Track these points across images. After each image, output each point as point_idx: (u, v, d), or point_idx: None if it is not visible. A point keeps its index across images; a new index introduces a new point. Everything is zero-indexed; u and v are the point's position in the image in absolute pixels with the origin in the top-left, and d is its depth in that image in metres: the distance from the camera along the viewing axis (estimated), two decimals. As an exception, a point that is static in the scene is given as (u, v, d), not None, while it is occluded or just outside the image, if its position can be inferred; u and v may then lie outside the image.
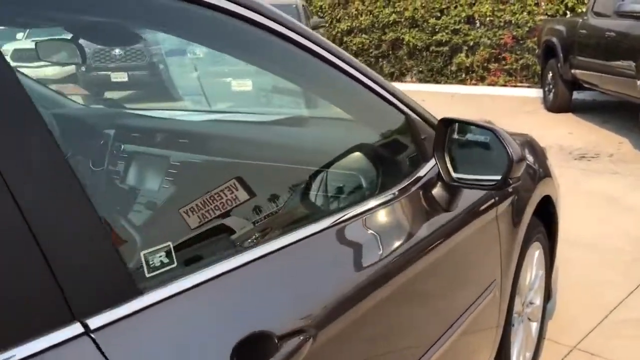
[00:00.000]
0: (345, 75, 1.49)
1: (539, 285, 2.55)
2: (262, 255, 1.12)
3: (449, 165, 1.56)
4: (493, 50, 11.21)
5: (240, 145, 1.86)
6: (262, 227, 1.38)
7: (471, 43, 11.45)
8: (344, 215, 1.38)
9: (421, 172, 1.66)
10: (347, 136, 1.76)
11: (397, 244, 1.45)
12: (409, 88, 11.95)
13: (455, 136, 1.59)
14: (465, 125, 1.59)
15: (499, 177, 1.48)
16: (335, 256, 1.33)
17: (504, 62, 11.16)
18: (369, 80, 1.54)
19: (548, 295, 2.75)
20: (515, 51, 10.98)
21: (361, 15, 13.03)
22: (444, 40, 11.75)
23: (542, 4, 10.55)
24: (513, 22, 10.83)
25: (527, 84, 10.88)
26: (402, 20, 12.31)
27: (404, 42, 12.36)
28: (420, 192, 1.61)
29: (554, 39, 8.48)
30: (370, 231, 1.44)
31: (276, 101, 2.04)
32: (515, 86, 11.02)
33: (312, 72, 1.48)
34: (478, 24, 11.52)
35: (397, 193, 1.54)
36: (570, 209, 3.52)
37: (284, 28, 1.32)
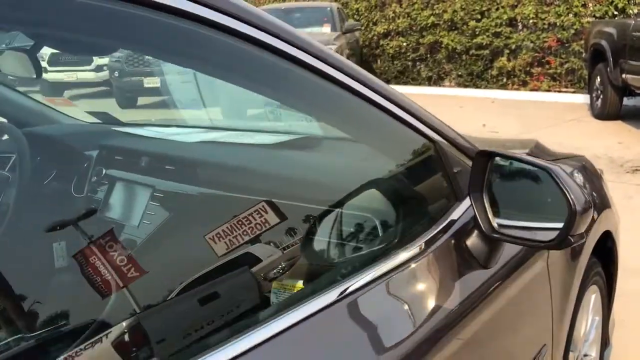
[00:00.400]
0: (355, 95, 1.15)
1: (595, 335, 2.17)
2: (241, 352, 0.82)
3: (488, 211, 1.21)
4: (536, 54, 10.75)
5: (230, 176, 1.55)
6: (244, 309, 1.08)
7: (513, 46, 11.01)
8: (354, 283, 1.05)
9: (454, 215, 1.31)
10: (359, 168, 1.43)
11: (422, 316, 1.11)
12: (447, 92, 11.56)
13: (498, 173, 1.23)
14: (510, 160, 1.23)
15: (555, 232, 1.12)
16: (344, 341, 1.00)
17: (547, 66, 10.69)
18: (387, 100, 1.21)
19: (605, 342, 2.35)
20: (560, 55, 10.49)
21: (398, 18, 12.66)
22: (484, 44, 11.33)
23: (590, 5, 10.04)
24: (558, 24, 10.35)
25: (572, 89, 10.38)
26: (441, 22, 11.92)
27: (443, 45, 11.96)
28: (452, 243, 1.26)
29: (603, 42, 7.98)
30: (388, 303, 1.10)
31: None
32: (559, 91, 10.53)
33: (311, 91, 1.15)
34: (520, 27, 11.07)
35: (423, 246, 1.20)
36: (624, 231, 3.10)
37: (276, 38, 0.99)
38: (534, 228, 1.22)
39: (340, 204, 1.34)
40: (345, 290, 1.04)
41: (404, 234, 1.27)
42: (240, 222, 1.18)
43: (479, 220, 1.21)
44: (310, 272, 1.30)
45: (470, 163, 1.34)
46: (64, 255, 1.54)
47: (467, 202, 1.34)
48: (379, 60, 13.07)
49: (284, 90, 1.16)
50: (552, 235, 1.12)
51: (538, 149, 1.89)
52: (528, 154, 1.74)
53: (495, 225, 1.20)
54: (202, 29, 0.87)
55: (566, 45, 10.39)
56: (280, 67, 1.03)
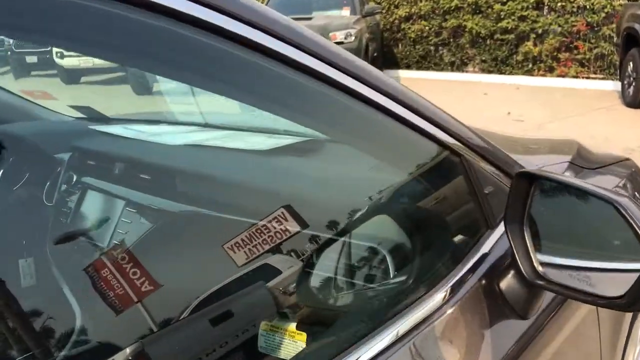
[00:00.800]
0: (361, 101, 0.89)
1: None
2: None
3: (530, 249, 0.93)
4: (564, 39, 10.31)
5: (212, 190, 1.30)
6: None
7: (540, 30, 10.58)
8: (365, 351, 0.80)
9: (485, 247, 1.05)
10: (366, 182, 1.17)
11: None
12: (470, 78, 11.19)
13: (543, 199, 0.95)
14: (561, 185, 0.95)
15: (622, 278, 0.85)
16: None
17: (576, 51, 10.26)
18: (401, 106, 0.94)
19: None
20: (589, 39, 10.05)
21: (421, 1, 12.23)
22: (509, 28, 10.89)
23: (622, -14, 9.58)
24: (587, 7, 9.92)
25: (601, 76, 9.96)
26: (465, 5, 11.49)
27: (466, 30, 11.54)
28: (483, 285, 1.00)
29: (637, 26, 7.58)
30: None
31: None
32: (587, 78, 10.11)
33: (309, 97, 0.88)
34: (547, 10, 10.62)
35: (448, 292, 0.94)
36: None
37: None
38: (589, 269, 0.95)
39: (343, 231, 1.08)
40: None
41: (423, 274, 1.01)
42: (259, 231, 1.10)
43: (518, 261, 0.94)
44: (306, 316, 1.05)
45: (506, 181, 1.07)
46: (32, 273, 1.34)
47: (500, 229, 1.07)
48: (400, 45, 12.66)
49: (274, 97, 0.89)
50: (618, 287, 0.84)
51: (581, 155, 1.61)
52: (575, 163, 1.46)
53: (539, 268, 0.93)
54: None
55: (596, 29, 9.94)
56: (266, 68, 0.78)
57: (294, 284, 1.08)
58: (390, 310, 0.93)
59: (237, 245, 1.10)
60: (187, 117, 1.87)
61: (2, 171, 1.62)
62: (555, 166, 1.42)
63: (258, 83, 0.82)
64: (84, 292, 1.27)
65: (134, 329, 1.10)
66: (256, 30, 0.74)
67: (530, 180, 0.95)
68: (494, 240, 1.06)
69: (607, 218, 0.88)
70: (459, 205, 1.09)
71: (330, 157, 1.39)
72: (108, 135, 1.69)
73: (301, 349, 0.98)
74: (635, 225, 0.80)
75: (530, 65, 10.90)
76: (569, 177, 0.93)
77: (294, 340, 1.01)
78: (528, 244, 0.95)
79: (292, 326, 1.01)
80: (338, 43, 8.03)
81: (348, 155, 1.33)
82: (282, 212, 1.09)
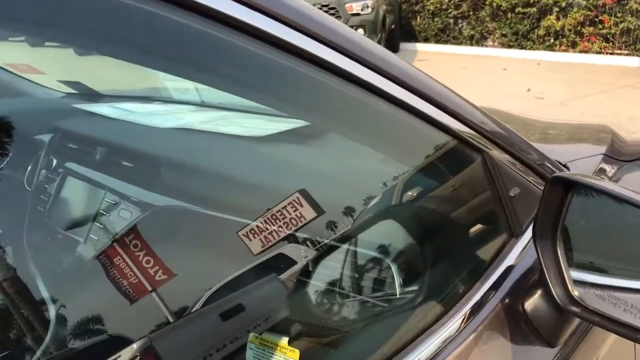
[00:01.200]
0: (364, 88, 0.73)
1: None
2: None
3: (564, 269, 0.78)
4: (589, 12, 9.96)
5: (198, 183, 1.16)
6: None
7: (563, 4, 10.26)
8: None
9: (509, 259, 0.90)
10: (371, 177, 1.02)
11: None
12: (489, 53, 10.93)
13: (581, 211, 0.79)
14: (604, 195, 0.78)
15: None
16: None
17: (600, 26, 9.92)
18: (410, 93, 0.78)
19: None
20: (615, 13, 9.70)
21: (440, -28, 11.91)
22: (531, 1, 10.60)
23: (652, -43, 9.22)
24: (615, -22, 9.57)
25: (626, 52, 9.64)
26: (486, -23, 11.16)
27: (487, 2, 11.24)
28: (506, 305, 0.85)
29: (667, 1, 7.27)
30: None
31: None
32: (612, 54, 9.80)
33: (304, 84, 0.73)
34: (572, -18, 10.29)
35: (467, 315, 0.79)
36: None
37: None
38: (637, 290, 0.79)
39: (343, 238, 0.94)
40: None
41: (436, 292, 0.86)
42: (274, 217, 1.01)
43: (549, 283, 0.78)
44: (299, 331, 0.92)
45: (537, 181, 0.92)
46: (8, 264, 1.23)
47: (526, 237, 0.92)
48: (418, 17, 12.35)
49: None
50: None
51: (615, 144, 1.44)
52: (611, 155, 1.30)
53: (574, 292, 0.77)
54: None
55: (623, 2, 9.63)
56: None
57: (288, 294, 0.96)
58: (397, 335, 0.79)
59: (253, 232, 1.01)
60: (182, 95, 1.72)
61: None
62: (588, 160, 1.26)
63: (254, 73, 0.68)
64: (59, 286, 1.17)
65: (139, 324, 1.03)
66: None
67: (566, 187, 0.79)
68: (519, 250, 0.91)
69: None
70: (479, 210, 0.94)
71: (332, 146, 1.23)
72: (93, 115, 1.54)
73: None
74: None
75: (552, 40, 10.59)
76: (616, 187, 0.77)
77: (285, 357, 0.89)
78: (562, 263, 0.80)
79: (284, 341, 0.89)
80: (354, 15, 7.80)
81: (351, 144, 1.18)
82: (297, 198, 1.00)
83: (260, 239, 1.01)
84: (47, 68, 1.85)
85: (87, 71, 1.69)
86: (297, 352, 0.87)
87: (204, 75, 0.72)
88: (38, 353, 1.00)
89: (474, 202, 0.94)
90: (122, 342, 0.91)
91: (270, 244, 1.00)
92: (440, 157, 0.90)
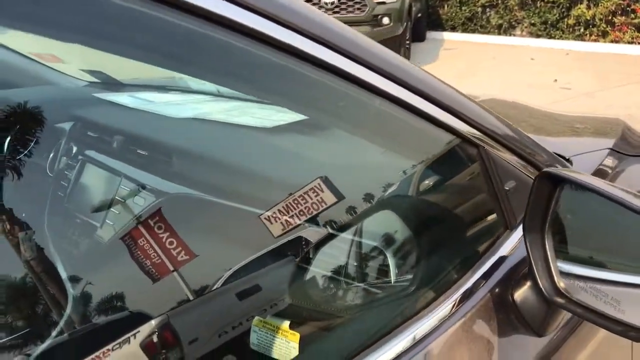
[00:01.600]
0: (360, 85, 0.76)
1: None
2: None
3: (552, 262, 0.81)
4: (621, 1, 9.76)
5: (206, 172, 1.21)
6: None
7: (595, -8, 10.05)
8: None
9: (502, 250, 0.93)
10: (369, 171, 1.05)
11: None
12: (517, 42, 10.77)
13: (568, 204, 0.82)
14: (592, 191, 0.81)
15: None
16: None
17: (633, 15, 9.71)
18: (407, 90, 0.81)
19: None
20: (648, 2, 9.50)
21: (469, -41, 11.76)
22: (562, -11, 10.38)
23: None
24: (649, -33, 9.35)
25: (659, 42, 9.43)
26: (515, -35, 10.99)
27: (516, -10, 11.06)
28: (496, 295, 0.88)
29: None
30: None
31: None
32: (644, 44, 9.59)
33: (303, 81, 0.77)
34: (605, -30, 10.08)
35: (457, 301, 0.83)
36: None
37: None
38: (620, 283, 0.82)
39: (343, 226, 0.97)
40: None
41: (429, 279, 0.90)
42: (296, 201, 1.04)
43: (537, 274, 0.81)
44: (300, 315, 0.96)
45: (527, 179, 0.94)
46: (32, 246, 1.29)
47: (520, 230, 0.95)
48: (446, 6, 12.21)
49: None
50: None
51: (625, 137, 1.44)
52: (617, 149, 1.31)
53: (560, 284, 0.80)
54: None
55: (656, -9, 9.40)
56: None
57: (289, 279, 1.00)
58: (390, 321, 0.82)
59: (274, 216, 1.05)
60: (199, 85, 1.76)
61: (9, 139, 1.56)
62: (593, 154, 1.28)
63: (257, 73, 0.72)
64: (77, 266, 1.22)
65: (157, 303, 1.07)
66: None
67: (554, 182, 0.81)
68: (513, 242, 0.94)
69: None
70: (475, 203, 0.97)
71: (336, 139, 1.27)
72: (113, 104, 1.60)
73: (294, 349, 0.90)
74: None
75: (582, 30, 10.39)
76: (601, 183, 0.79)
77: (286, 340, 0.93)
78: (549, 256, 0.83)
79: (286, 324, 0.93)
80: (379, 3, 7.75)
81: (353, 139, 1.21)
82: (319, 183, 1.04)
83: (281, 223, 1.05)
84: (70, 57, 1.91)
85: (108, 60, 1.75)
86: (298, 335, 0.91)
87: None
88: (59, 328, 1.06)
89: (469, 195, 0.97)
90: (141, 318, 0.96)
91: (290, 227, 1.04)
92: (437, 152, 0.93)
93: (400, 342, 0.78)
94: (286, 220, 1.05)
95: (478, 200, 0.96)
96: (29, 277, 1.19)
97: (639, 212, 0.72)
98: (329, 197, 1.02)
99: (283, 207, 1.05)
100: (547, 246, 0.83)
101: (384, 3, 7.82)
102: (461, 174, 0.96)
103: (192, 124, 1.45)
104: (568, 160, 1.19)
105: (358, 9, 7.71)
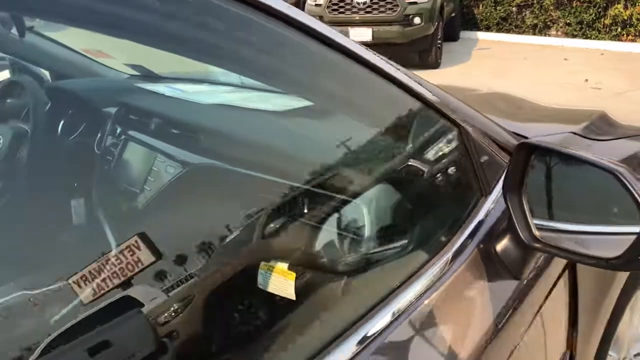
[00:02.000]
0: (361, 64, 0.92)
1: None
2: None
3: (528, 215, 0.95)
4: (659, 1, 9.67)
5: (227, 146, 1.38)
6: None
7: (633, -9, 9.95)
8: (374, 318, 0.88)
9: (481, 214, 1.07)
10: (364, 148, 1.19)
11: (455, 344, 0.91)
12: (552, 42, 10.73)
13: (541, 170, 0.96)
14: (560, 156, 0.95)
15: (617, 241, 0.88)
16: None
17: (671, 15, 9.60)
18: (401, 73, 0.96)
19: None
20: (686, 2, 9.38)
21: (504, -41, 11.75)
22: (598, -11, 10.31)
23: None
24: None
25: (697, 42, 9.30)
26: (551, -36, 10.95)
27: (552, -10, 11.01)
28: (481, 249, 1.02)
29: None
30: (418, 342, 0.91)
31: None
32: (682, 44, 9.48)
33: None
34: (643, -31, 9.97)
35: (450, 258, 0.97)
36: None
37: None
38: (586, 232, 0.96)
39: (342, 194, 1.11)
40: (365, 338, 0.85)
41: (423, 239, 1.04)
42: (109, 262, 0.97)
43: (517, 225, 0.96)
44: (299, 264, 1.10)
45: (500, 153, 1.08)
46: (82, 212, 1.46)
47: (493, 197, 1.09)
48: (480, 6, 12.23)
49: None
50: (614, 249, 0.86)
51: (598, 125, 1.57)
52: (579, 133, 1.45)
53: (536, 232, 0.95)
54: None
55: (695, -9, 9.27)
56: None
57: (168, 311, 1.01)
58: (390, 279, 0.96)
59: (84, 278, 0.97)
60: (225, 77, 1.96)
61: (63, 122, 1.76)
62: (555, 136, 1.42)
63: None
64: (120, 228, 1.34)
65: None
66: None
67: (530, 151, 0.96)
68: (489, 206, 1.09)
69: (604, 186, 0.89)
70: (457, 174, 1.11)
71: (337, 120, 1.43)
72: (151, 93, 1.81)
73: (291, 285, 1.02)
74: (635, 193, 0.82)
75: (619, 30, 10.29)
76: (566, 148, 0.93)
77: (285, 279, 1.06)
78: (526, 210, 0.97)
79: (284, 266, 1.06)
80: (411, 2, 7.84)
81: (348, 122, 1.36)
82: (136, 241, 1.00)
83: (92, 287, 0.96)
84: (116, 53, 2.11)
85: (148, 56, 1.94)
86: (294, 274, 1.05)
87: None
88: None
89: (453, 168, 1.11)
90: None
91: (102, 291, 0.96)
92: (426, 131, 1.08)
93: (405, 298, 0.92)
94: (98, 285, 0.97)
95: (459, 172, 1.11)
96: (79, 237, 1.36)
97: (602, 168, 0.85)
98: (146, 256, 0.98)
99: (94, 268, 0.98)
100: (524, 203, 0.97)
101: (415, 3, 7.91)
102: (445, 151, 1.10)
103: (217, 109, 1.64)
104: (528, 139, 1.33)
105: (390, 8, 7.82)
